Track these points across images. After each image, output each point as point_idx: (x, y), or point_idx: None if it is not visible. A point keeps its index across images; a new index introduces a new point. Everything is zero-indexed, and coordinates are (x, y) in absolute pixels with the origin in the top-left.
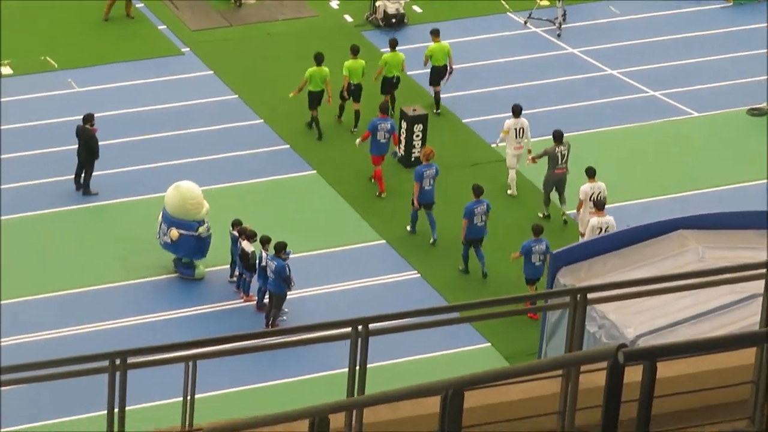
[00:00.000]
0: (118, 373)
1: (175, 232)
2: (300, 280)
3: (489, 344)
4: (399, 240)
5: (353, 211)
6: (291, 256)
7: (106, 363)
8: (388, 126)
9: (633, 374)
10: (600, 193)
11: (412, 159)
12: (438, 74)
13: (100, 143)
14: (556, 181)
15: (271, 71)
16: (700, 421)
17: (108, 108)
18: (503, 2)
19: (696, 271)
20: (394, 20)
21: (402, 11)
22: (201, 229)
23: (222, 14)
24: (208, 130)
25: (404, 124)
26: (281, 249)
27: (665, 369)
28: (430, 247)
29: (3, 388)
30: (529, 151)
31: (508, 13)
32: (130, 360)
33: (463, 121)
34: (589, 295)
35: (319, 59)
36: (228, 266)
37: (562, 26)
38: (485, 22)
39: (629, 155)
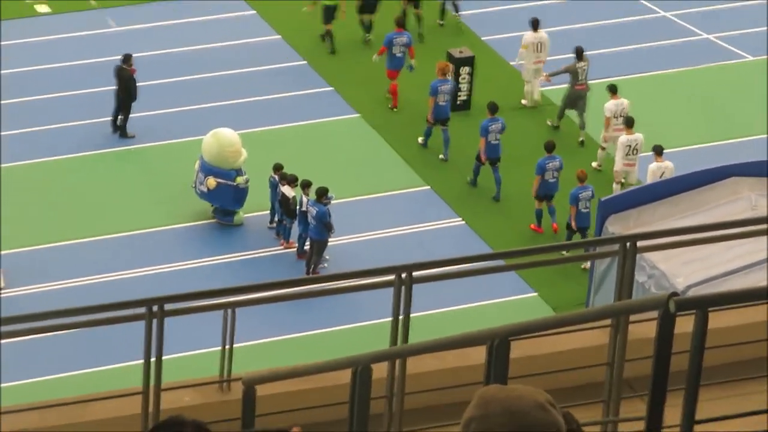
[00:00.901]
0: (155, 321)
1: (212, 181)
2: (341, 227)
3: (536, 294)
4: (445, 187)
5: (397, 155)
6: (333, 201)
7: (143, 310)
8: (405, 39)
9: (684, 325)
10: (623, 109)
11: (458, 103)
12: None
13: (138, 85)
14: (575, 98)
15: (317, 9)
16: (753, 373)
17: (147, 48)
18: None
19: (748, 218)
20: None
21: None
22: (239, 179)
23: None
24: (248, 71)
25: (452, 66)
26: (323, 194)
27: (716, 320)
28: (473, 193)
29: (39, 336)
30: (547, 78)
31: None
32: (168, 307)
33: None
34: (639, 244)
35: None
36: (267, 212)
37: None
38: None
39: (680, 100)
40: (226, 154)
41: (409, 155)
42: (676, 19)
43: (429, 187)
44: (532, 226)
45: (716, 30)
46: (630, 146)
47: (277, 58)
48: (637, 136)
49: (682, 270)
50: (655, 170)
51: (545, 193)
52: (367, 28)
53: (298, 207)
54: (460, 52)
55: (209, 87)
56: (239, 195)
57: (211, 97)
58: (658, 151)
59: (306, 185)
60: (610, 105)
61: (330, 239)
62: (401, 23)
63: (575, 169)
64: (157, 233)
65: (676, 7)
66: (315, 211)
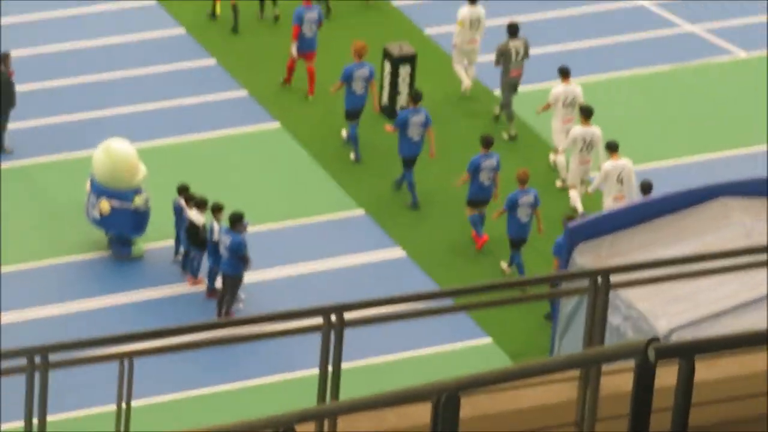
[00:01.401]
0: (37, 373)
1: (106, 204)
2: (260, 259)
3: (490, 339)
4: (380, 209)
5: (325, 173)
6: (249, 228)
7: (23, 361)
8: (315, 15)
9: (666, 376)
10: (575, 97)
11: (395, 110)
12: None
13: (16, 89)
14: (514, 85)
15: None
16: None
17: (26, 44)
18: None
19: (742, 248)
20: None
21: None
22: (138, 200)
23: None
24: (147, 72)
25: (387, 66)
26: (237, 220)
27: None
28: (416, 218)
29: None
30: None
31: None
32: (53, 357)
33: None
34: (612, 278)
35: None
36: (172, 242)
37: None
38: None
39: (659, 104)
40: (120, 172)
41: (338, 170)
42: (653, 9)
43: (362, 210)
44: (474, 234)
45: (702, 20)
46: (585, 140)
47: (180, 55)
48: (594, 129)
49: (665, 310)
50: (610, 170)
51: (480, 198)
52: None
53: (208, 236)
54: (400, 47)
55: (101, 91)
56: (138, 220)
57: (103, 103)
58: (613, 147)
59: (217, 210)
60: (558, 91)
61: (246, 274)
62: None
63: (514, 169)
64: (41, 268)
65: None
66: (228, 241)
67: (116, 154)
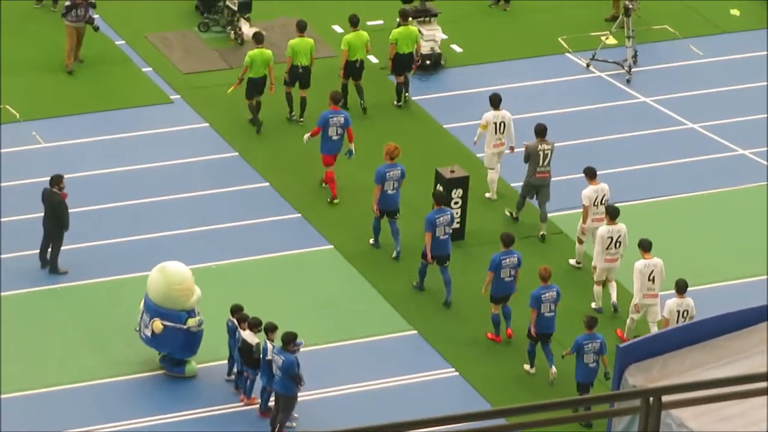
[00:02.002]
0: None
1: (159, 324)
2: (313, 379)
3: None
4: (432, 329)
5: (376, 293)
6: (302, 348)
7: None
8: (342, 120)
9: None
10: (604, 195)
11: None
12: (402, 63)
13: (70, 210)
14: (537, 186)
15: (276, 121)
16: None
17: (80, 168)
18: (561, 41)
19: None
20: (428, 62)
21: (438, 51)
22: (191, 322)
23: (220, 53)
24: (201, 194)
25: (440, 187)
26: (290, 340)
27: None
28: (467, 335)
29: None
30: (512, 149)
31: (566, 54)
32: None
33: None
34: (664, 398)
35: (259, 38)
36: (225, 362)
37: (632, 69)
38: (540, 65)
39: (711, 227)
40: (175, 293)
41: (390, 289)
42: (705, 132)
43: (415, 331)
44: (489, 335)
45: (753, 145)
46: (612, 238)
47: (232, 178)
48: (620, 227)
49: (718, 428)
50: (642, 269)
51: (501, 294)
52: (301, 105)
53: (261, 356)
54: (452, 171)
55: (155, 212)
56: (191, 341)
57: (157, 225)
58: (646, 247)
59: (270, 330)
60: (589, 191)
61: (300, 393)
62: (337, 99)
63: (537, 267)
64: (94, 387)
65: (704, 116)
66: (281, 361)
67: (171, 274)
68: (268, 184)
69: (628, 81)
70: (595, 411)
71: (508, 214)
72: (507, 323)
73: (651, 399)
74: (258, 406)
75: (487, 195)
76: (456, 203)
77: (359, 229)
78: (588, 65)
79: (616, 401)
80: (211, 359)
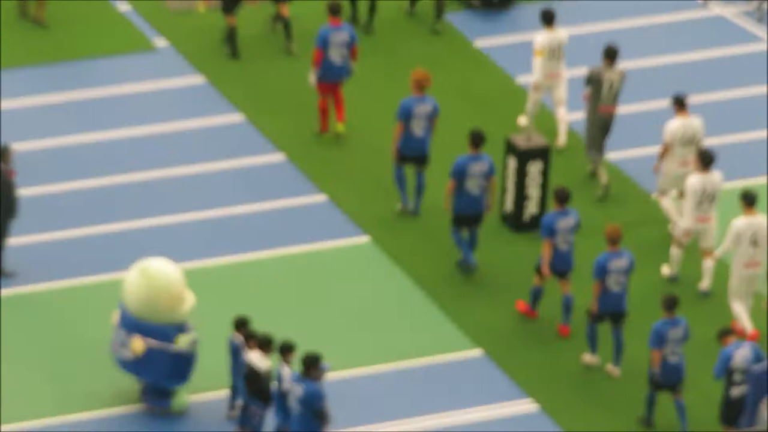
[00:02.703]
0: None
1: (139, 344)
2: (344, 413)
3: None
4: (499, 346)
5: (429, 300)
6: (328, 374)
7: None
8: (346, 37)
9: None
10: (695, 134)
11: (524, 220)
12: None
13: (20, 192)
14: (602, 125)
15: (293, 74)
16: None
17: (34, 135)
18: None
19: None
20: None
21: None
22: (182, 341)
23: None
24: (193, 171)
25: (512, 162)
26: (312, 364)
27: None
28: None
29: None
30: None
31: None
32: None
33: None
34: None
35: None
36: (226, 392)
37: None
38: (645, 3)
39: None
40: (160, 301)
41: (448, 300)
42: None
43: (480, 349)
44: (522, 305)
45: None
46: (705, 192)
47: (240, 147)
48: (715, 177)
49: None
50: (743, 229)
51: (558, 269)
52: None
53: (274, 385)
54: (528, 138)
55: (133, 194)
56: (181, 365)
57: (136, 211)
58: (749, 200)
59: (286, 350)
60: (673, 125)
61: None
62: (336, 9)
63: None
64: (54, 428)
65: None
66: (301, 391)
67: (156, 276)
68: (283, 156)
69: (759, 20)
70: None
71: (592, 169)
72: (565, 317)
73: None
74: None
75: (521, 120)
76: (533, 180)
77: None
78: (706, 1)
79: None
80: (207, 389)
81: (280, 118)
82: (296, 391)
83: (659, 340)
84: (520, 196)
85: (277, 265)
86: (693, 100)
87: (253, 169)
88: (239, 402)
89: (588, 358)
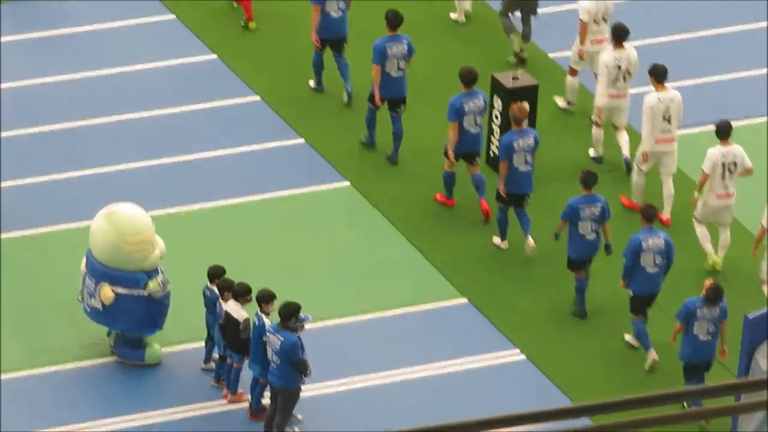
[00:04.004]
0: None
1: (108, 292)
2: (324, 364)
3: None
4: (487, 299)
5: (410, 245)
6: (308, 325)
7: None
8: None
9: None
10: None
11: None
12: None
13: None
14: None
15: (270, 16)
16: None
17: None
18: None
19: None
20: None
21: None
22: (152, 285)
23: None
24: (164, 112)
25: (498, 102)
26: (291, 314)
27: None
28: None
29: None
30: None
31: None
32: None
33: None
34: None
35: None
36: (201, 344)
37: None
38: None
39: None
40: (128, 248)
41: (428, 243)
42: None
43: (465, 299)
44: (439, 196)
45: None
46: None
47: (214, 87)
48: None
49: None
50: (654, 106)
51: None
52: None
53: (251, 336)
54: (514, 78)
55: (100, 137)
56: (154, 311)
57: (103, 155)
58: (659, 75)
59: (264, 300)
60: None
61: (304, 387)
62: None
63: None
64: (19, 382)
65: None
66: (279, 342)
67: (123, 223)
68: (258, 98)
69: None
70: (712, 407)
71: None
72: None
73: None
74: (247, 404)
75: (559, 102)
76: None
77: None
78: None
79: (745, 393)
80: (181, 341)
81: (257, 60)
82: (274, 342)
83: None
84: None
85: (254, 210)
86: None
87: (228, 111)
88: (215, 354)
89: (497, 241)
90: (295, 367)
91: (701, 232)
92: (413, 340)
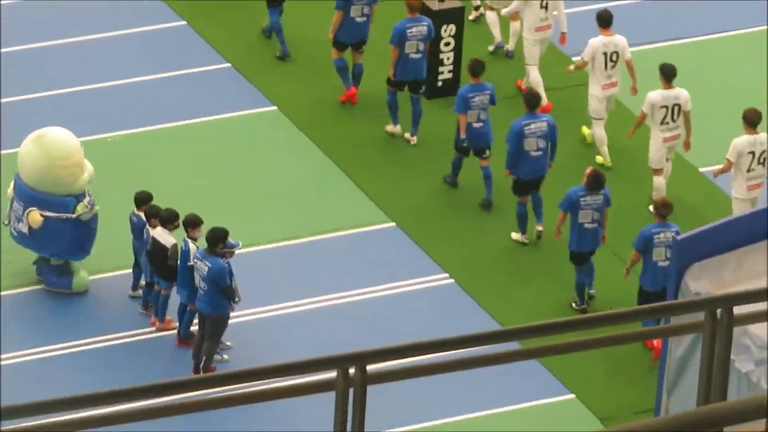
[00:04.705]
0: None
1: (36, 216)
2: (252, 292)
3: (572, 396)
4: (415, 219)
5: (339, 171)
6: (237, 251)
7: None
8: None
9: None
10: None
11: (439, 85)
12: None
13: None
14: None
15: None
16: None
17: None
18: None
19: None
20: None
21: None
22: (80, 208)
23: None
24: (97, 37)
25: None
26: (219, 239)
27: None
28: (468, 232)
29: None
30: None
31: None
32: None
33: None
34: (737, 310)
35: None
36: (129, 271)
37: None
38: None
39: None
40: (58, 171)
41: (358, 168)
42: None
43: (394, 223)
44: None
45: None
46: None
47: (146, 18)
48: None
49: None
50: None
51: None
52: None
53: (179, 261)
54: (440, 1)
55: (27, 60)
56: (82, 235)
57: (32, 78)
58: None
59: (192, 225)
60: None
61: (233, 313)
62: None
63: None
64: None
65: None
66: (207, 268)
67: (52, 146)
68: (185, 23)
69: None
70: (641, 330)
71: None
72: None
73: (719, 311)
74: (176, 331)
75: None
76: (447, 44)
77: (314, 85)
78: None
79: (673, 315)
80: (107, 269)
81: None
82: (202, 268)
83: (464, 104)
84: (434, 62)
85: (181, 136)
86: None
87: (155, 37)
88: (143, 281)
89: (390, 128)
90: (222, 293)
91: (599, 132)
92: (341, 264)
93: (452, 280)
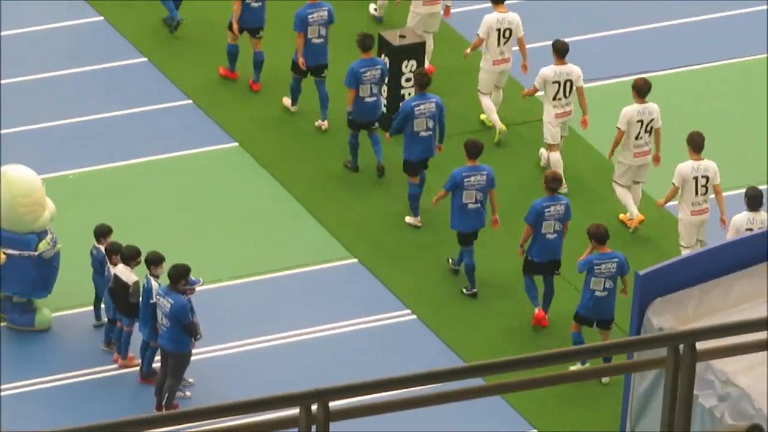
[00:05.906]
0: None
1: None
2: (216, 327)
3: (535, 431)
4: (379, 257)
5: (301, 207)
6: (198, 288)
7: None
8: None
9: None
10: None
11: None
12: None
13: None
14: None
15: None
16: None
17: None
18: None
19: None
20: None
21: None
22: (42, 246)
23: None
24: (54, 75)
25: (386, 60)
26: (181, 276)
27: None
28: (433, 272)
29: None
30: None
31: None
32: None
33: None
34: (700, 346)
35: None
36: (91, 308)
37: None
38: None
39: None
40: (19, 209)
41: (319, 202)
42: None
43: (356, 260)
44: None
45: None
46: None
47: (102, 50)
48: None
49: None
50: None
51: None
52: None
53: (141, 299)
54: (401, 36)
55: None
56: (45, 273)
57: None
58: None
59: (154, 262)
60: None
61: (195, 350)
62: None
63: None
64: None
65: None
66: (169, 305)
67: (14, 182)
68: (145, 59)
69: None
70: (603, 366)
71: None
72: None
73: (681, 347)
74: (138, 368)
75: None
76: (408, 80)
77: (274, 123)
78: None
79: (636, 351)
80: (70, 306)
81: (141, 18)
82: (164, 305)
83: (355, 79)
84: (395, 96)
85: (142, 173)
86: None
87: (114, 73)
88: (104, 317)
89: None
90: (185, 329)
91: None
92: (303, 301)
93: (414, 316)
